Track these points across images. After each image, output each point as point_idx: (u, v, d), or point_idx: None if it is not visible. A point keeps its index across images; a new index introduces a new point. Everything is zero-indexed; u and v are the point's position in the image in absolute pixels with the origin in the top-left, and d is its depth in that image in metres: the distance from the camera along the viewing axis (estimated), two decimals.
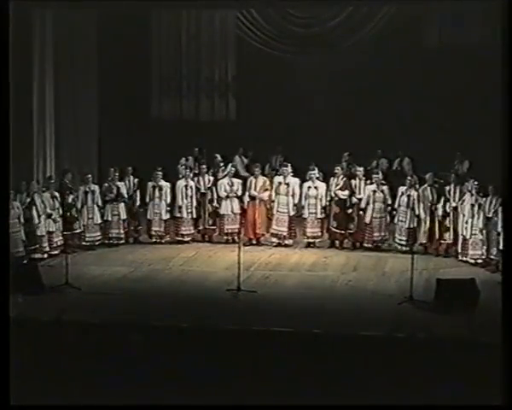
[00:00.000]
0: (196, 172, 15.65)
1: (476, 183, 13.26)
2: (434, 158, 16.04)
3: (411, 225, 13.85)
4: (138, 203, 14.88)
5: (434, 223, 13.88)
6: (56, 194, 13.80)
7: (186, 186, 14.85)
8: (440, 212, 13.80)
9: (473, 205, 13.05)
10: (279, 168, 15.82)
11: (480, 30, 16.65)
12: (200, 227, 15.10)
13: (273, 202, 14.67)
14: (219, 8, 17.67)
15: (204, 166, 15.42)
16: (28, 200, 13.24)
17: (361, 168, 14.83)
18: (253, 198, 14.80)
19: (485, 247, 12.85)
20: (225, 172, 15.25)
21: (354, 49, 17.11)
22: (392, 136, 17.44)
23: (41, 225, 13.30)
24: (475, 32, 16.76)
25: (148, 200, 14.79)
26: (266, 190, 14.77)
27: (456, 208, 13.50)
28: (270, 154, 17.58)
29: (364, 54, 17.33)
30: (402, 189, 14.08)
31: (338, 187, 14.44)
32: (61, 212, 13.74)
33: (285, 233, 14.63)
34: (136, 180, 14.95)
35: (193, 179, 15.07)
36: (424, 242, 13.98)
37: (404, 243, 13.89)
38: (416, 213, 13.85)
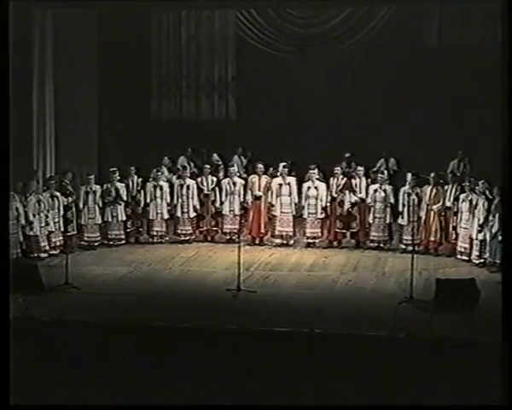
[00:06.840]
0: (195, 171, 15.62)
1: (478, 183, 13.26)
2: (434, 158, 16.03)
3: (412, 225, 13.85)
4: (142, 204, 14.83)
5: (435, 223, 13.88)
6: (56, 194, 13.80)
7: (182, 185, 14.84)
8: (442, 212, 13.80)
9: (475, 206, 13.03)
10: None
11: (480, 30, 16.64)
12: (203, 228, 15.10)
13: (272, 204, 14.66)
14: (219, 8, 17.68)
15: (207, 167, 15.44)
16: (28, 200, 13.24)
17: (361, 168, 14.84)
18: (256, 198, 14.79)
19: (487, 247, 12.83)
20: (229, 172, 15.18)
21: (354, 49, 17.11)
22: (392, 135, 17.42)
23: (41, 225, 13.30)
24: (475, 32, 16.75)
25: (149, 200, 14.78)
26: (269, 189, 14.78)
27: (458, 208, 13.49)
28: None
29: (364, 54, 17.31)
30: (404, 189, 14.11)
31: (339, 187, 14.46)
32: (61, 212, 13.75)
33: (291, 233, 14.67)
34: (139, 180, 14.95)
35: (193, 179, 15.07)
36: (425, 242, 13.98)
37: (405, 242, 13.91)
38: (419, 213, 13.90)
